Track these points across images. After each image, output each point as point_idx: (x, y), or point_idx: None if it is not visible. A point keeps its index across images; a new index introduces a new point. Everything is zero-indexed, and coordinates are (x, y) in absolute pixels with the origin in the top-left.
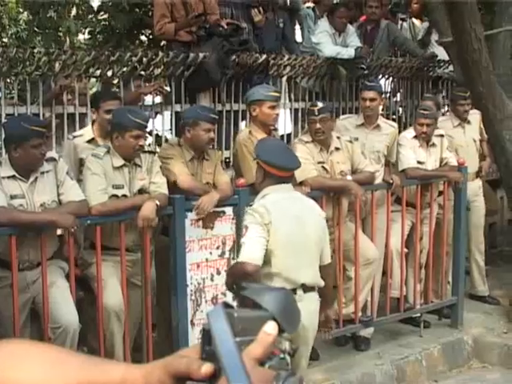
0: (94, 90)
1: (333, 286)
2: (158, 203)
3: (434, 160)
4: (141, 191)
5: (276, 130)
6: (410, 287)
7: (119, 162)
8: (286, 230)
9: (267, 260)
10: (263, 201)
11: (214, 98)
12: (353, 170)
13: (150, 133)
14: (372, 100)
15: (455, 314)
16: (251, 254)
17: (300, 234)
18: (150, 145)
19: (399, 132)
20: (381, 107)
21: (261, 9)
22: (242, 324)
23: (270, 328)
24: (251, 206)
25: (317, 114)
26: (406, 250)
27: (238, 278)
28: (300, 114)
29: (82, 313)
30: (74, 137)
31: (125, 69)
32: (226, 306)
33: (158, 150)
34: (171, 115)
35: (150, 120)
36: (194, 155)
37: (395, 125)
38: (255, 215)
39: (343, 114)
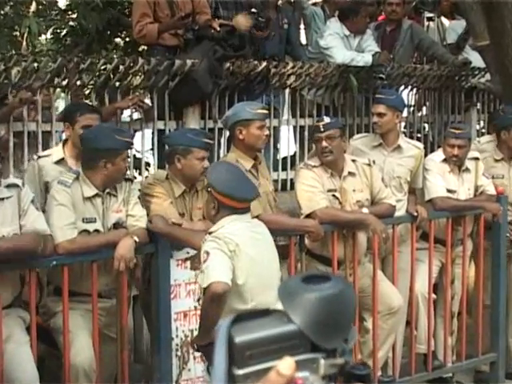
0: (61, 103)
1: None
2: (137, 240)
3: (467, 188)
4: (116, 225)
5: (277, 149)
6: (439, 341)
7: (91, 191)
8: (256, 261)
9: (239, 295)
10: (223, 230)
11: (205, 113)
12: (372, 199)
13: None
14: (380, 115)
15: (495, 374)
16: (217, 274)
17: (268, 267)
18: None
19: (425, 154)
20: (403, 124)
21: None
22: (252, 349)
23: (285, 367)
24: (210, 234)
25: (322, 130)
26: (434, 295)
27: (206, 309)
28: (306, 133)
29: (45, 371)
30: (39, 157)
31: (97, 78)
32: (242, 318)
33: (136, 175)
34: (153, 134)
35: None
36: (184, 189)
37: (420, 145)
38: (218, 241)
39: (358, 132)
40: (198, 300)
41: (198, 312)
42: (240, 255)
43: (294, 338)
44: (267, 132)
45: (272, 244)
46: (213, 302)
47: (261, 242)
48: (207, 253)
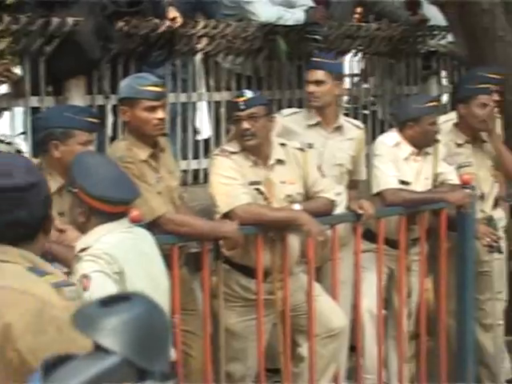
0: None
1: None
2: None
3: (424, 177)
4: None
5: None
6: (392, 369)
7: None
8: (143, 286)
9: None
10: (101, 245)
11: (92, 86)
12: (306, 193)
13: None
14: (318, 83)
15: None
16: None
17: (157, 290)
18: None
19: (374, 135)
20: (345, 98)
21: None
22: None
23: None
24: (84, 250)
25: (243, 108)
26: (384, 312)
27: None
28: (223, 110)
29: None
30: None
31: None
32: (51, 367)
33: None
34: (25, 113)
35: None
36: (63, 183)
37: (361, 125)
38: (99, 261)
39: (289, 108)
40: None
41: None
42: (126, 280)
43: (119, 370)
44: (161, 115)
45: (160, 257)
46: None
47: (149, 259)
48: (86, 277)
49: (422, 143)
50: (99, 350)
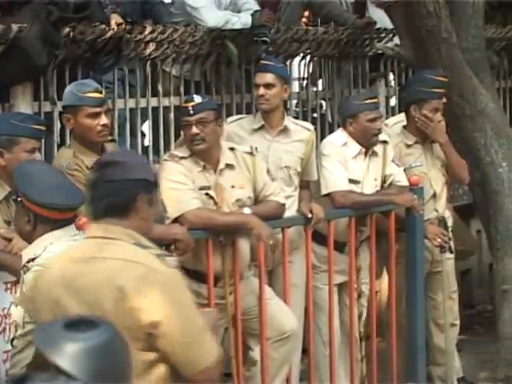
0: None
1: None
2: None
3: (373, 178)
4: None
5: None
6: (343, 371)
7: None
8: None
9: None
10: (49, 254)
11: (39, 93)
12: (256, 196)
13: None
14: (268, 86)
15: None
16: None
17: None
18: None
19: (323, 137)
20: (294, 102)
21: None
22: None
23: None
24: (33, 260)
25: (192, 113)
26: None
27: None
28: (172, 116)
29: None
30: None
31: None
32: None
33: None
34: None
35: None
36: (9, 191)
37: (310, 126)
38: None
39: (238, 114)
40: (12, 340)
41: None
42: None
43: None
44: (105, 121)
45: None
46: None
47: None
48: None
49: (364, 141)
50: (59, 372)
